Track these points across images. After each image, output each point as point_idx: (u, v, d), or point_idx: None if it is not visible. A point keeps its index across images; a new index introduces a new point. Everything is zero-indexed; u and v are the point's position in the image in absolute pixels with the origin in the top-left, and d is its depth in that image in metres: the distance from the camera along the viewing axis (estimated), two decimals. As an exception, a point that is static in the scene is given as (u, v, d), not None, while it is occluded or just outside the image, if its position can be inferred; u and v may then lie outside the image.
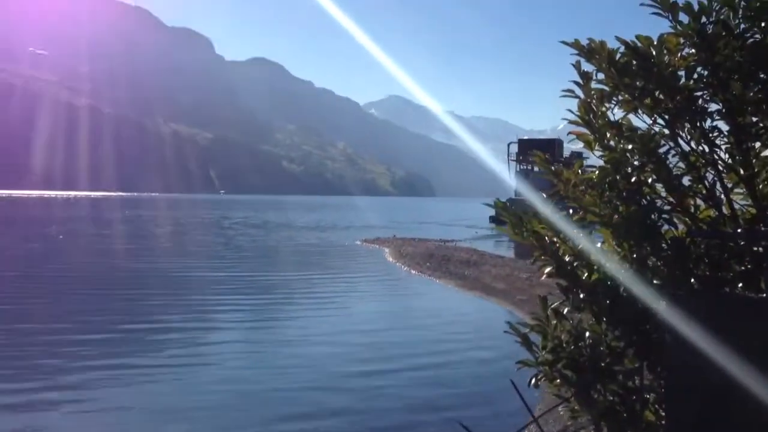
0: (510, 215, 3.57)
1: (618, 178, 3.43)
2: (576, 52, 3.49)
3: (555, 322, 3.45)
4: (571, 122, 3.59)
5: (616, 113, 3.53)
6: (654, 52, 3.34)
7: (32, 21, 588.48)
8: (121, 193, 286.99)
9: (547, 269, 3.48)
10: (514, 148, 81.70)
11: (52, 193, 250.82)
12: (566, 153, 65.39)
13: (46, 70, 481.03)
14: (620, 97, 3.50)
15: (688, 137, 3.47)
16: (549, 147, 71.57)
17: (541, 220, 3.49)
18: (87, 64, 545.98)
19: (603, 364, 3.31)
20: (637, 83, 3.41)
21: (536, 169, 42.91)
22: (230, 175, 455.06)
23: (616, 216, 3.44)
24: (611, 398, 3.31)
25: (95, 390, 10.41)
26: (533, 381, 3.41)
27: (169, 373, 11.43)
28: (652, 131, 3.47)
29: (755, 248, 3.23)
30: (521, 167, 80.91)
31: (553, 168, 3.60)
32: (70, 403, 9.74)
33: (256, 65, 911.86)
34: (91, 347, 13.39)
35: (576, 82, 3.56)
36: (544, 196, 3.62)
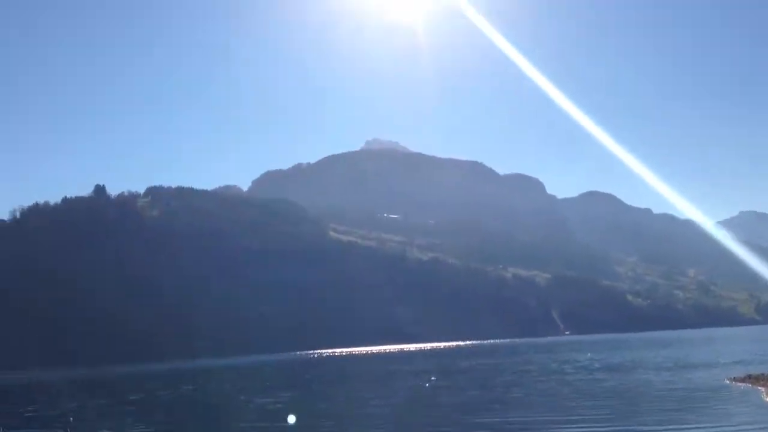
0: None
1: None
2: None
3: None
4: None
5: None
6: None
7: (383, 190, 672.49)
8: (468, 342, 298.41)
9: None
10: None
11: (412, 346, 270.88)
12: None
13: (398, 230, 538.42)
14: None
15: None
16: None
17: None
18: (432, 220, 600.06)
19: None
20: None
21: None
22: (572, 314, 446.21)
23: None
24: None
25: None
26: None
27: None
28: None
29: None
30: None
31: None
32: None
33: (588, 199, 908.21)
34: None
35: None
36: None
